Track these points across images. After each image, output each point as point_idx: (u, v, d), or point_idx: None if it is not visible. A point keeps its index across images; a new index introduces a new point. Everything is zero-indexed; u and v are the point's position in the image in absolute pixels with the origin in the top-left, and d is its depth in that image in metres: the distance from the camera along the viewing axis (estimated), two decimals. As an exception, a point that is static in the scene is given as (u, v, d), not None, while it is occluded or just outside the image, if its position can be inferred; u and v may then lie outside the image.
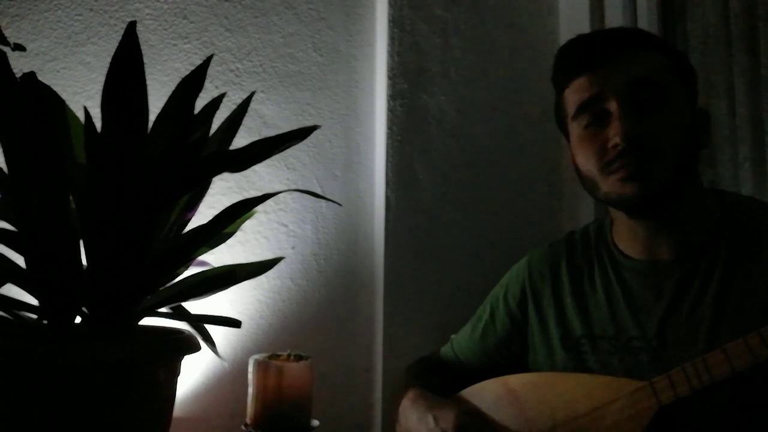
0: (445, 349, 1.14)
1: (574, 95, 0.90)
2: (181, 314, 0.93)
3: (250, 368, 0.96)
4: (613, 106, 0.86)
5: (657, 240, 0.90)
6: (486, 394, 0.94)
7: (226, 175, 1.31)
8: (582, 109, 0.89)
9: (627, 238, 0.94)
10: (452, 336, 1.16)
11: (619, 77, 0.86)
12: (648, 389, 0.81)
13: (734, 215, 0.89)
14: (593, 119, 0.88)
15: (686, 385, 0.78)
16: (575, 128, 0.91)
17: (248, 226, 1.32)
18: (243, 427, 0.95)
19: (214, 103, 0.93)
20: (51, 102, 0.85)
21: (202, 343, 0.86)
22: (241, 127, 0.96)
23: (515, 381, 0.93)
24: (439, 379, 1.05)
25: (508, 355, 1.05)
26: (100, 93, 0.73)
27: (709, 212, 0.90)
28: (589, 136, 0.88)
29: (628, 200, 0.86)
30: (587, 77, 0.88)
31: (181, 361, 0.83)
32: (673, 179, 0.84)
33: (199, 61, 1.17)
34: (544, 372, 0.96)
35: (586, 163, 0.89)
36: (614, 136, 0.84)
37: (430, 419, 0.90)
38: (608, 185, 0.86)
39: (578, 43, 0.92)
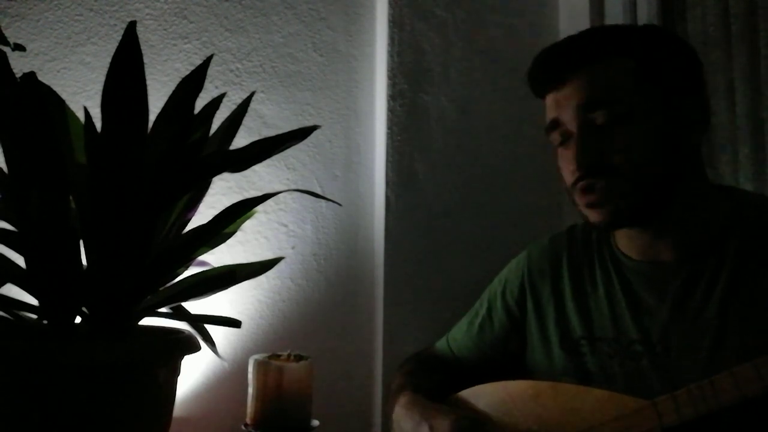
0: (441, 344, 1.12)
1: (545, 114, 0.90)
2: (181, 314, 0.93)
3: (250, 368, 0.96)
4: (571, 129, 0.85)
5: (655, 242, 0.88)
6: (486, 396, 0.92)
7: (226, 175, 1.31)
8: (550, 129, 0.89)
9: (626, 239, 0.91)
10: (451, 329, 1.15)
11: (575, 98, 0.84)
12: (651, 410, 0.77)
13: (744, 215, 0.85)
14: (562, 139, 0.87)
15: (692, 408, 0.74)
16: (553, 143, 0.91)
17: (248, 226, 1.31)
18: (243, 427, 0.95)
19: (214, 103, 0.93)
20: (51, 102, 0.85)
21: (202, 343, 0.86)
22: (241, 127, 0.96)
23: (515, 387, 0.91)
24: (434, 378, 1.03)
25: (504, 351, 1.02)
26: (100, 93, 0.73)
27: (715, 211, 0.86)
28: (561, 155, 0.88)
29: (595, 226, 0.86)
30: (551, 97, 0.88)
31: (181, 361, 0.83)
32: (638, 200, 0.82)
33: (199, 61, 1.17)
34: (549, 382, 0.92)
35: (563, 179, 0.89)
36: (571, 162, 0.84)
37: (426, 429, 0.87)
38: (580, 206, 0.87)
39: (540, 60, 0.89)
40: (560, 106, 0.86)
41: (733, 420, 0.75)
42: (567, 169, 0.87)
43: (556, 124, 0.87)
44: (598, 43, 0.86)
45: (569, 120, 0.85)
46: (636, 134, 0.81)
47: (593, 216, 0.84)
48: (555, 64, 0.87)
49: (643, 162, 0.81)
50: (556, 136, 0.88)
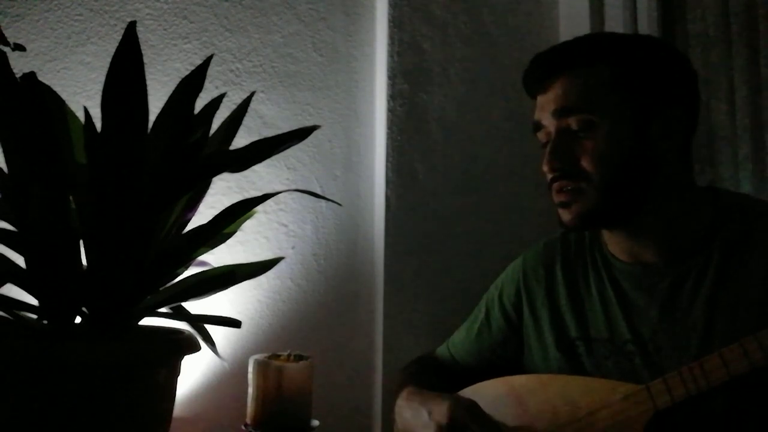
0: (441, 349, 1.14)
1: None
2: (181, 314, 0.93)
3: (250, 368, 0.96)
4: (549, 133, 0.90)
5: (638, 244, 0.90)
6: (488, 391, 0.94)
7: (226, 175, 1.31)
8: (535, 130, 0.94)
9: (612, 241, 0.94)
10: (452, 335, 1.16)
11: (551, 105, 0.89)
12: (644, 393, 0.80)
13: (728, 216, 0.87)
14: (544, 141, 0.92)
15: (682, 389, 0.77)
16: (539, 142, 0.95)
17: (248, 226, 1.31)
18: (243, 427, 0.95)
19: (214, 103, 0.93)
20: (51, 102, 0.85)
21: (202, 343, 0.86)
22: (241, 127, 0.96)
23: (519, 380, 0.93)
24: (435, 379, 1.05)
25: (503, 354, 1.04)
26: (100, 93, 0.73)
27: (699, 213, 0.88)
28: (543, 155, 0.91)
29: (564, 225, 0.90)
30: (538, 99, 0.93)
31: (181, 361, 0.83)
32: (602, 203, 0.86)
33: (199, 61, 1.17)
34: (547, 374, 0.95)
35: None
36: (545, 164, 0.89)
37: (424, 413, 0.91)
38: (555, 205, 0.91)
39: (529, 66, 0.94)
40: (542, 109, 0.91)
41: (724, 399, 0.78)
42: (544, 168, 0.91)
43: (538, 126, 0.92)
44: (578, 51, 0.90)
45: (548, 124, 0.90)
46: (604, 143, 0.85)
47: (564, 215, 0.89)
48: (539, 70, 0.92)
49: (609, 170, 0.85)
50: (540, 137, 0.93)
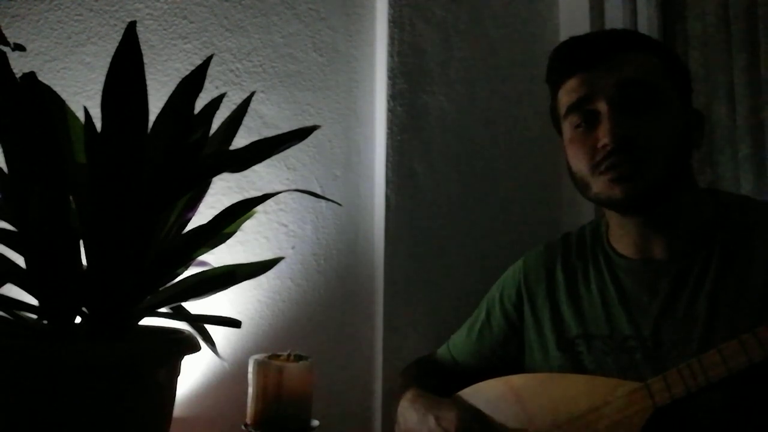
0: (442, 351, 1.14)
1: (565, 96, 0.91)
2: (181, 314, 0.93)
3: (250, 368, 0.96)
4: (602, 107, 0.86)
5: (650, 238, 0.90)
6: (488, 391, 0.95)
7: (226, 175, 1.31)
8: (572, 109, 0.90)
9: (620, 237, 0.94)
10: (452, 336, 1.16)
11: (610, 78, 0.86)
12: (644, 390, 0.81)
13: (727, 215, 0.89)
14: (583, 120, 0.89)
15: (682, 386, 0.77)
16: (566, 129, 0.92)
17: (248, 226, 1.31)
18: (243, 427, 0.95)
19: (214, 103, 0.93)
20: (51, 102, 0.85)
21: (202, 343, 0.86)
22: (241, 127, 0.96)
23: (518, 380, 0.93)
24: (436, 381, 1.05)
25: (503, 355, 1.05)
26: (100, 93, 0.73)
27: (703, 212, 0.90)
28: (580, 137, 0.89)
29: (617, 201, 0.86)
30: (578, 78, 0.89)
31: (181, 361, 0.83)
32: (662, 179, 0.85)
33: (199, 61, 1.17)
34: (546, 372, 0.96)
35: (577, 163, 0.90)
36: (603, 136, 0.85)
37: (432, 420, 0.90)
38: (598, 186, 0.87)
39: (570, 44, 0.93)
40: (593, 83, 0.88)
41: (723, 395, 0.79)
42: (585, 149, 0.88)
43: (582, 102, 0.89)
44: (629, 36, 0.93)
45: (602, 97, 0.87)
46: (664, 119, 0.86)
47: (617, 192, 0.85)
48: (594, 45, 0.91)
49: (669, 146, 0.85)
50: (574, 119, 0.90)
